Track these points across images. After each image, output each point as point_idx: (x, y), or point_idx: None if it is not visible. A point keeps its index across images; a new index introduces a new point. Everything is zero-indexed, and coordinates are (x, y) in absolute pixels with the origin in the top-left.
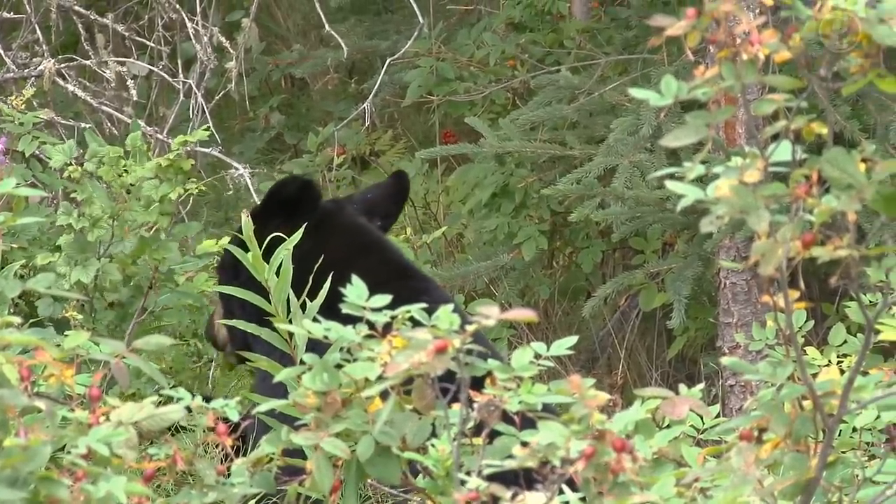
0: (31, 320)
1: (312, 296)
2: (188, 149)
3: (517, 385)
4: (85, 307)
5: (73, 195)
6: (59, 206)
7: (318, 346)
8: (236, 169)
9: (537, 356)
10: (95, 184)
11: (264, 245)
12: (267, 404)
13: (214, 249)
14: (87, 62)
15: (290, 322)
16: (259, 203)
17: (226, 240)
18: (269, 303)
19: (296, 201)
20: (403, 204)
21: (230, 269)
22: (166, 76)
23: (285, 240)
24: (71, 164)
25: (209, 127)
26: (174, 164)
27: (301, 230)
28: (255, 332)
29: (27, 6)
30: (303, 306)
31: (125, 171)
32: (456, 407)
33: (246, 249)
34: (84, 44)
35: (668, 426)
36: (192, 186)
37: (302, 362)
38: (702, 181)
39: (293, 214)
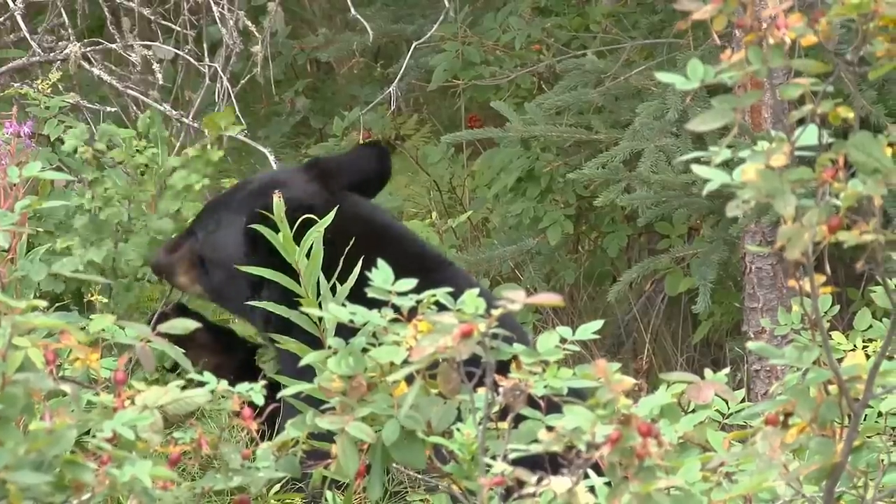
0: (57, 304)
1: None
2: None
3: (543, 369)
4: (103, 289)
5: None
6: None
7: (344, 331)
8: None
9: (563, 340)
10: (106, 163)
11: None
12: (293, 388)
13: None
14: (113, 46)
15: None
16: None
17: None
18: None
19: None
20: (383, 186)
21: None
22: (192, 60)
23: (316, 222)
24: (82, 145)
25: (234, 111)
26: (203, 154)
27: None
28: (286, 314)
29: None
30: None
31: (138, 151)
32: (481, 391)
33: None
34: (110, 27)
35: (694, 411)
36: (225, 181)
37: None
38: (728, 165)
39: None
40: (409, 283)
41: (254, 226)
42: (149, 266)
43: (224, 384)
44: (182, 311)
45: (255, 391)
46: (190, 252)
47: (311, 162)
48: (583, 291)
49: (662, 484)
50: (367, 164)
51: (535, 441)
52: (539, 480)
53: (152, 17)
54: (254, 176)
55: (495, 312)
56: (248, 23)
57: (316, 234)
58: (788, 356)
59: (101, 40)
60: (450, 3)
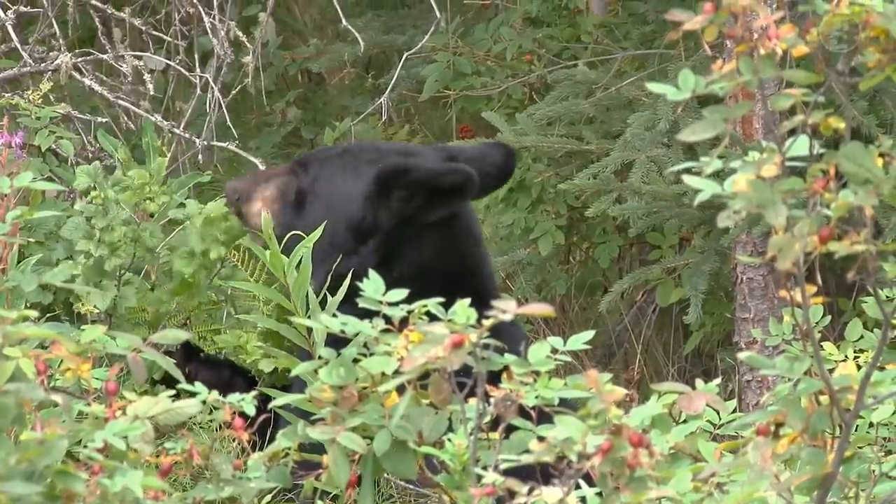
0: (49, 314)
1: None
2: (205, 143)
3: (534, 380)
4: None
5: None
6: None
7: (337, 342)
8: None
9: (554, 351)
10: (117, 208)
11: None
12: (283, 398)
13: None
14: (104, 56)
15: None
16: (417, 172)
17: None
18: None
19: (448, 191)
20: (503, 185)
21: (293, 205)
22: (183, 70)
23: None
24: (95, 187)
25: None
26: (218, 217)
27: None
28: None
29: (44, 0)
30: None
31: (150, 198)
32: (473, 401)
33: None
34: (101, 38)
35: (685, 421)
36: (240, 241)
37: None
38: (719, 176)
39: (438, 200)
40: (401, 293)
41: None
42: (225, 190)
43: (215, 395)
44: (188, 351)
45: (247, 402)
46: (285, 184)
47: (440, 148)
48: (574, 302)
49: (653, 494)
50: (494, 160)
51: (527, 451)
52: (530, 491)
53: (143, 28)
54: (380, 142)
55: (486, 323)
56: (239, 33)
57: (304, 250)
58: (780, 367)
59: (92, 51)
60: (441, 13)
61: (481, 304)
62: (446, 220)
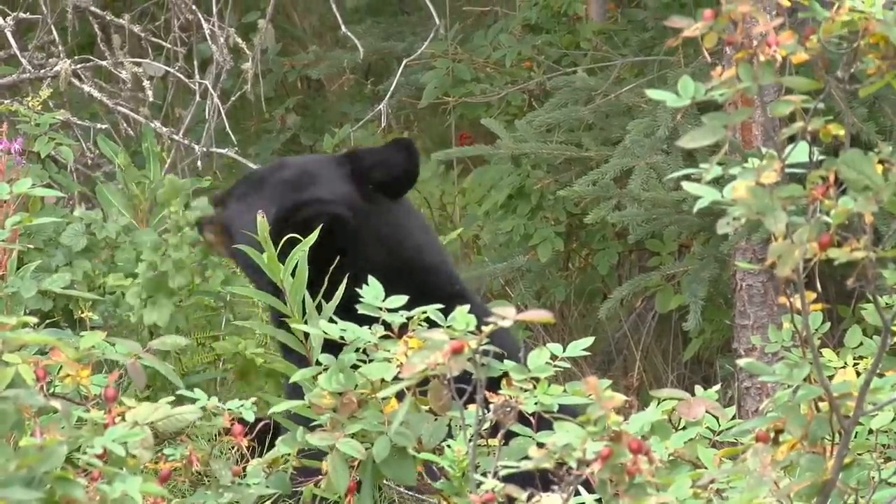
0: (48, 320)
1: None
2: (205, 150)
3: (533, 386)
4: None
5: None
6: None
7: (334, 348)
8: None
9: (553, 357)
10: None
11: None
12: (282, 405)
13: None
14: (103, 63)
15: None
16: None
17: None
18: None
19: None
20: (413, 183)
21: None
22: (182, 77)
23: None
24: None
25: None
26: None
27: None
28: (273, 333)
29: (43, 7)
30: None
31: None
32: (472, 408)
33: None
34: (100, 44)
35: (685, 428)
36: None
37: (318, 363)
38: (718, 183)
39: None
40: (401, 299)
41: (240, 246)
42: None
43: (214, 401)
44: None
45: (246, 408)
46: (217, 217)
47: (347, 154)
48: (573, 308)
49: (653, 501)
50: (396, 161)
51: (526, 458)
52: (530, 497)
53: (142, 35)
54: (290, 158)
55: (486, 329)
56: (239, 40)
57: (301, 254)
58: (779, 373)
59: (91, 57)
60: (440, 20)
61: (424, 298)
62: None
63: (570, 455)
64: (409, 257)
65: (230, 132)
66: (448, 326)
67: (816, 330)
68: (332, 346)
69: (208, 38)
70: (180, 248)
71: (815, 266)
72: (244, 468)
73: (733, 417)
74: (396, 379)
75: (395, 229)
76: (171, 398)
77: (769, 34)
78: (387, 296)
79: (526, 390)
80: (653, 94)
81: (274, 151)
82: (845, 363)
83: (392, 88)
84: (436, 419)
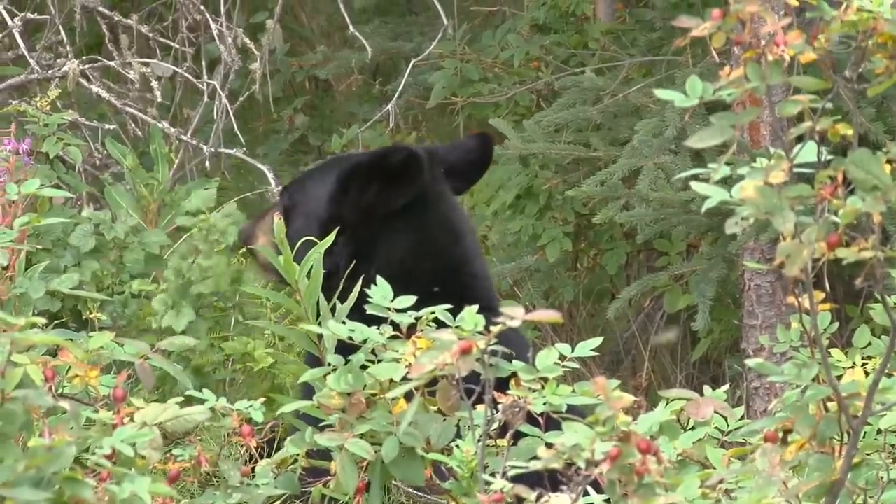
0: (56, 321)
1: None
2: (213, 150)
3: (542, 386)
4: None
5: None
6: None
7: (347, 348)
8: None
9: (562, 357)
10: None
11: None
12: (292, 405)
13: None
14: (112, 63)
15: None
16: (363, 159)
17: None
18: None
19: (398, 172)
20: (484, 172)
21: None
22: (191, 77)
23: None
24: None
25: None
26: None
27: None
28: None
29: (51, 7)
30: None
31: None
32: (481, 408)
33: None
34: (108, 45)
35: (693, 428)
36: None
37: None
38: (727, 182)
39: (393, 184)
40: (409, 300)
41: (259, 248)
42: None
43: (223, 401)
44: None
45: (255, 408)
46: (276, 210)
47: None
48: (582, 309)
49: (662, 501)
50: (470, 146)
51: (535, 458)
52: (538, 498)
53: (151, 35)
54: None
55: (494, 329)
56: (247, 40)
57: (315, 256)
58: (787, 373)
59: (99, 58)
60: (448, 20)
61: (464, 305)
62: (418, 214)
63: (578, 455)
64: (456, 261)
65: (238, 132)
66: (456, 327)
67: (825, 330)
68: (346, 348)
69: (216, 38)
70: (209, 255)
71: (823, 266)
72: (253, 468)
73: (742, 417)
74: (405, 379)
75: (441, 227)
76: (180, 398)
77: (777, 34)
78: (425, 295)
79: (535, 390)
80: (661, 93)
81: (282, 152)
82: (854, 363)
83: (400, 89)
84: (444, 419)
